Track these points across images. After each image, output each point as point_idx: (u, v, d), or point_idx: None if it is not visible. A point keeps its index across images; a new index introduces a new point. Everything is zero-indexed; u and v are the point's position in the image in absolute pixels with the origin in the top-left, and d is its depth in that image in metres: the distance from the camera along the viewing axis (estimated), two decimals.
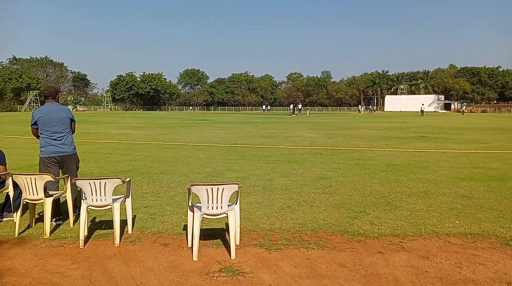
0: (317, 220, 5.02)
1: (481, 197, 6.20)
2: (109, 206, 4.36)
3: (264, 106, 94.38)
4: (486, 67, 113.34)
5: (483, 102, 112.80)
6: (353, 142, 15.77)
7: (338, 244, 4.19)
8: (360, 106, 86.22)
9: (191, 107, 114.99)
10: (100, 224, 4.96)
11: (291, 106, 64.90)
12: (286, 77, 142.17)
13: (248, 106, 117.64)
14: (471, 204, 5.79)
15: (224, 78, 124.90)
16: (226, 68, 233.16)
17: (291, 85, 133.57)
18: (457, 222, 4.91)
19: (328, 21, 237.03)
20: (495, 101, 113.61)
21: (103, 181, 4.22)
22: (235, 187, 3.89)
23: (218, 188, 3.80)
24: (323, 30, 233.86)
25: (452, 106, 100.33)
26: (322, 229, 4.69)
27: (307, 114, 63.44)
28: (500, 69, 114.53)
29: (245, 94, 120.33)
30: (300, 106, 72.41)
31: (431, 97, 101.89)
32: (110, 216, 4.83)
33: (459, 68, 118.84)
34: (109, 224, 4.86)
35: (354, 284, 3.29)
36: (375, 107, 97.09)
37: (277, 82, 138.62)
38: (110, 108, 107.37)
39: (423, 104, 65.24)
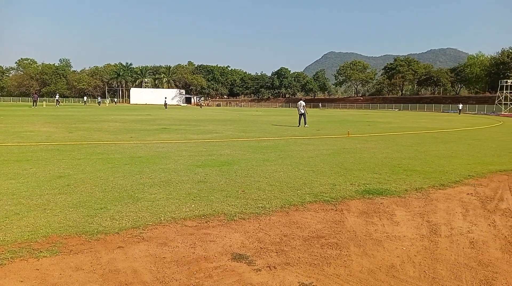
0: (51, 224, 4.48)
1: (213, 181, 7.00)
2: None
3: None
4: (218, 66, 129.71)
5: (218, 97, 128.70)
6: (97, 135, 15.04)
7: (74, 247, 3.86)
8: (99, 97, 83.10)
9: None
10: None
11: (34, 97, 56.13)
12: (16, 63, 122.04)
13: None
14: (206, 188, 6.45)
15: None
16: None
17: (22, 73, 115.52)
18: (193, 206, 5.37)
19: None
20: (226, 96, 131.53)
21: None
22: None
23: None
24: (61, 17, 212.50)
25: (193, 100, 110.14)
26: (56, 233, 4.22)
27: (44, 106, 56.41)
28: (229, 69, 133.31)
29: None
30: (57, 96, 64.85)
31: (174, 91, 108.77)
32: None
33: (196, 65, 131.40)
34: None
35: (91, 285, 3.10)
36: (118, 99, 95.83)
37: (4, 68, 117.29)
38: None
39: (166, 98, 68.83)
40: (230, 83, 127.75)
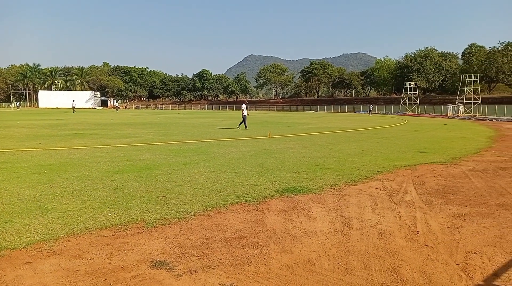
0: None
1: (132, 187, 6.73)
2: None
3: None
4: (136, 67, 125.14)
5: (136, 99, 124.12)
6: (0, 143, 13.64)
7: None
8: (16, 102, 75.68)
9: None
10: None
11: None
12: None
13: None
14: (123, 195, 6.18)
15: None
16: None
17: None
18: (109, 214, 5.12)
19: None
20: (145, 99, 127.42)
21: None
22: None
23: None
24: None
25: (109, 103, 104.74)
26: None
27: None
28: (148, 70, 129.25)
29: None
30: None
31: (88, 94, 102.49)
32: None
33: (112, 66, 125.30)
34: None
35: None
36: (25, 103, 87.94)
37: None
38: None
39: (74, 101, 64.23)
40: (149, 85, 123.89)
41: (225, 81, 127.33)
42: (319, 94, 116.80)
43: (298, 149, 12.41)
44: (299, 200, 5.97)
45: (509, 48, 73.90)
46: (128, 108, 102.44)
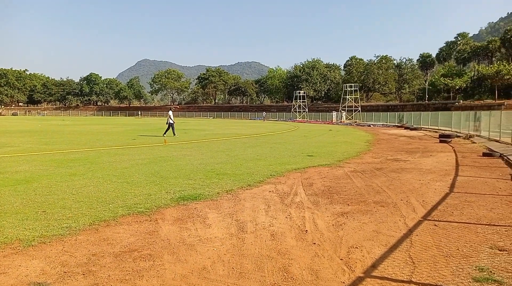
0: None
1: (5, 203, 5.96)
2: None
3: None
4: (13, 69, 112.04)
5: (14, 105, 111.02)
6: None
7: None
8: None
9: None
10: None
11: None
12: None
13: None
14: None
15: None
16: None
17: None
18: None
19: None
20: (24, 104, 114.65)
21: None
22: None
23: None
24: None
25: None
26: None
27: None
28: (28, 73, 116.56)
29: None
30: None
31: None
32: None
33: None
34: None
35: None
36: None
37: None
38: None
39: None
40: (29, 89, 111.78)
41: (117, 86, 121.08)
42: (216, 101, 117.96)
43: (195, 156, 12.31)
44: (195, 208, 5.90)
45: (383, 61, 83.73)
46: (3, 115, 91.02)
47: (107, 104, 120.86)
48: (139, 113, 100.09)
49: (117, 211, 5.61)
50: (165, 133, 21.38)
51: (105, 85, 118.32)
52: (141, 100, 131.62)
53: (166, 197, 6.55)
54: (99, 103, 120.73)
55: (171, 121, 21.75)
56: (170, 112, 22.10)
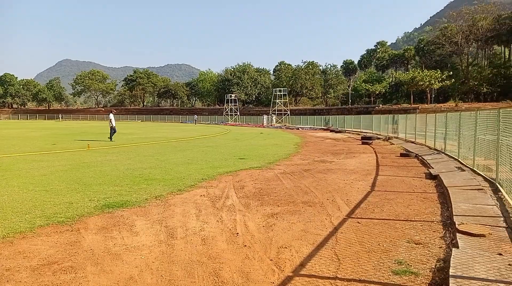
0: None
1: None
2: None
3: None
4: None
5: None
6: None
7: None
8: None
9: None
10: None
11: None
12: None
13: None
14: None
15: None
16: None
17: None
18: None
19: None
20: None
21: None
22: None
23: None
24: None
25: None
26: None
27: None
28: None
29: None
30: None
31: None
32: None
33: None
34: None
35: None
36: None
37: None
38: None
39: None
40: None
41: (35, 87, 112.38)
42: (145, 103, 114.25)
43: (122, 161, 11.80)
44: (121, 215, 5.64)
45: (310, 67, 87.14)
46: None
47: (24, 106, 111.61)
48: (60, 116, 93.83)
49: (34, 222, 5.18)
50: (111, 137, 20.74)
51: (21, 87, 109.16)
52: (62, 102, 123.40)
53: (89, 205, 6.19)
54: (14, 106, 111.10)
55: (112, 125, 21.02)
56: (111, 115, 21.30)
